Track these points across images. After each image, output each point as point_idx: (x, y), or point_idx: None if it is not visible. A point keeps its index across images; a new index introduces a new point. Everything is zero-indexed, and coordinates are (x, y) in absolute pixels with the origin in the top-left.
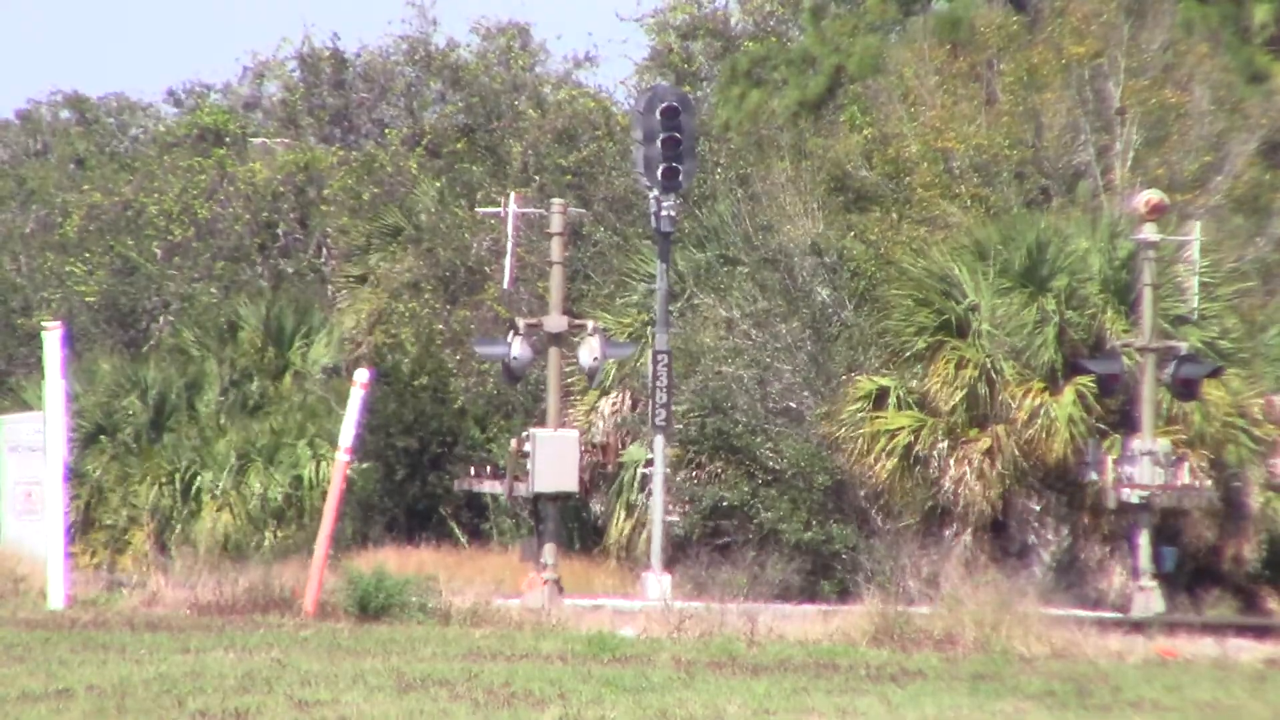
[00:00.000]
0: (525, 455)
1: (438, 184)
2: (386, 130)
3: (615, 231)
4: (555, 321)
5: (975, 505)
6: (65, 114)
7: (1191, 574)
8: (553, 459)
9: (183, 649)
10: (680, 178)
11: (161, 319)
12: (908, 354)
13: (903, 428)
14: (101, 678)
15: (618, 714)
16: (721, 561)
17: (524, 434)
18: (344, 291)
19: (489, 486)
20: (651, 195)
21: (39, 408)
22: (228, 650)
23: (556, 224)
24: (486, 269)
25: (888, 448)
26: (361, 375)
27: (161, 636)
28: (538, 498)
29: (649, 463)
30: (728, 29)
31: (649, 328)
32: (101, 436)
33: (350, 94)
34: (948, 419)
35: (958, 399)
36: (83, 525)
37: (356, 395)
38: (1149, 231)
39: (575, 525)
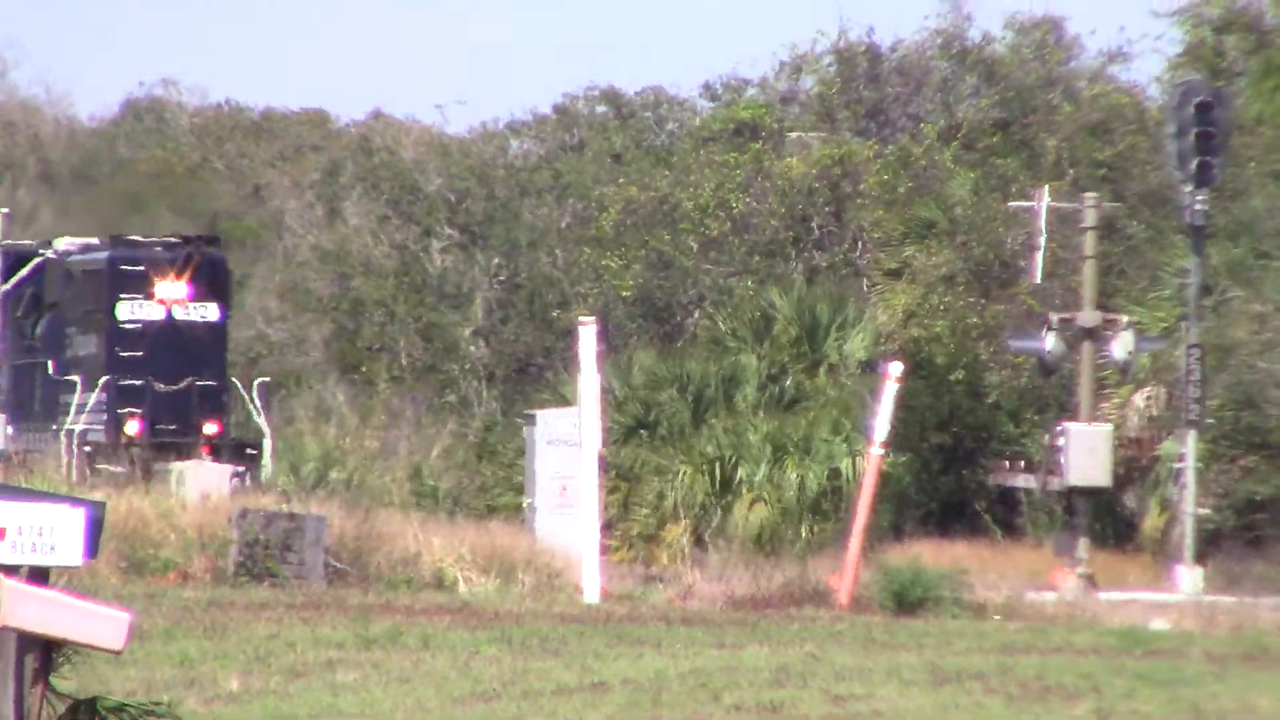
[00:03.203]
0: (1057, 449)
1: (972, 176)
2: (921, 124)
3: (1148, 225)
4: (1088, 316)
5: None
6: (601, 108)
7: None
8: (1085, 453)
9: (717, 643)
10: (1213, 172)
11: (696, 313)
12: None
13: None
14: (636, 671)
15: (1152, 708)
16: (1255, 556)
17: (1057, 428)
18: (878, 285)
19: (1022, 480)
20: (1184, 189)
21: (575, 402)
22: (762, 644)
23: (1089, 218)
24: (1019, 263)
25: None
26: (895, 368)
27: (696, 631)
28: (1070, 491)
29: (1181, 457)
30: (1260, 24)
31: (1181, 322)
32: (641, 430)
33: (885, 88)
34: None
35: None
36: (618, 519)
37: (890, 389)
38: None
39: (1108, 519)
